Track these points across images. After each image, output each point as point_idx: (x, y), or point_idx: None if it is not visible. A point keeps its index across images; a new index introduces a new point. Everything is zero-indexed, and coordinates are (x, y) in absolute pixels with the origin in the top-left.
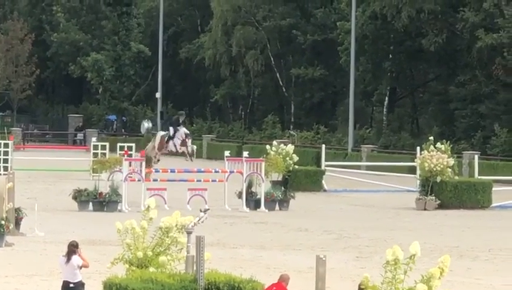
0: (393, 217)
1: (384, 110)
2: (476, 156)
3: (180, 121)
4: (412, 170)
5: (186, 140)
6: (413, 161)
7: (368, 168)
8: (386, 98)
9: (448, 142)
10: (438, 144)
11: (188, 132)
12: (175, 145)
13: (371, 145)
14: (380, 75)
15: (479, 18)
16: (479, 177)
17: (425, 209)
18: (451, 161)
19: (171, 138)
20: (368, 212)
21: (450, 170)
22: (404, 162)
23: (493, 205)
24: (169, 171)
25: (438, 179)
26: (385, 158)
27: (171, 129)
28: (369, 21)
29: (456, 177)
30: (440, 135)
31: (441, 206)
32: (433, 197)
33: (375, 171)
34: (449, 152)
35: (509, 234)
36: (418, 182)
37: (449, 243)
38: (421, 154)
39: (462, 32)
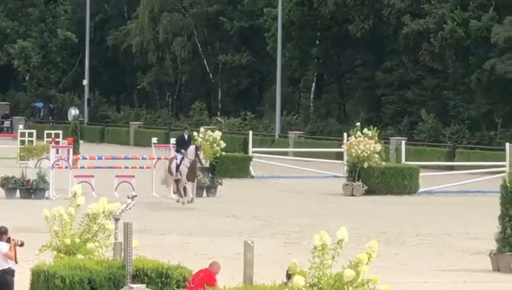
0: (321, 203)
1: (311, 96)
2: (403, 142)
3: (186, 138)
4: (339, 156)
5: (198, 153)
6: (341, 147)
7: (295, 154)
8: (313, 84)
9: (375, 128)
10: (365, 130)
11: (198, 146)
12: (181, 175)
13: (298, 132)
14: (307, 61)
15: (405, 4)
16: (406, 162)
17: (352, 194)
18: (378, 147)
19: (178, 165)
20: (295, 198)
21: (377, 155)
22: (332, 148)
23: (420, 190)
24: (96, 158)
25: (365, 164)
26: (312, 144)
27: (179, 157)
28: (295, 7)
29: (383, 163)
30: (367, 121)
31: (368, 192)
32: (361, 183)
33: (303, 158)
34: (376, 138)
35: (436, 219)
36: (345, 167)
37: (377, 229)
38: (348, 140)
39: (389, 18)
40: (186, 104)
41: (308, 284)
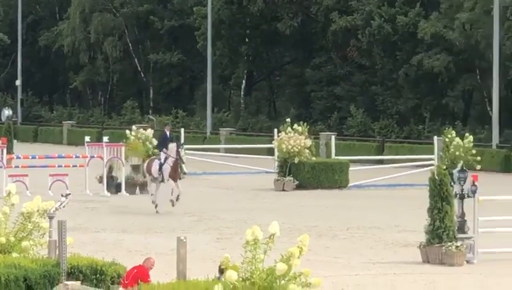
0: (253, 198)
1: (242, 93)
2: (333, 137)
3: (167, 135)
4: (270, 152)
5: (179, 150)
6: (271, 143)
7: (227, 150)
8: (243, 82)
9: (305, 123)
10: (295, 126)
11: (179, 142)
12: (163, 175)
13: (229, 128)
14: (236, 59)
15: (333, 1)
16: (336, 157)
17: (283, 189)
18: (309, 142)
19: (161, 165)
20: (227, 194)
21: (307, 150)
22: (262, 144)
23: (350, 184)
24: (30, 157)
25: (296, 160)
26: (243, 141)
27: (162, 155)
28: (225, 6)
29: (314, 158)
30: (297, 117)
31: (299, 187)
32: (291, 178)
33: (234, 154)
34: (306, 133)
35: (366, 212)
36: (276, 163)
37: (308, 223)
38: (278, 136)
39: (317, 15)
40: (118, 102)
41: (241, 279)
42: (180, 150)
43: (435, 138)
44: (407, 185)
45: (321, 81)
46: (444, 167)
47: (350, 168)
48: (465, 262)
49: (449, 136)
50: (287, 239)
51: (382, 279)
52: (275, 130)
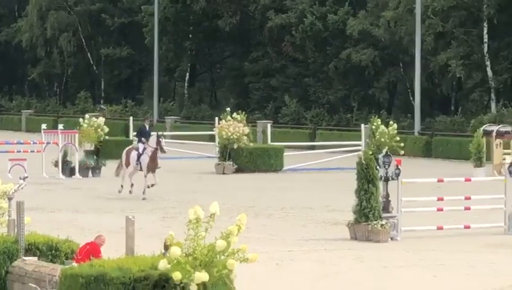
0: (196, 181)
1: (186, 84)
2: (269, 125)
3: (147, 128)
4: (211, 138)
5: (160, 140)
6: (213, 130)
7: (172, 137)
8: (187, 74)
9: (244, 112)
10: (235, 114)
11: (158, 133)
12: (141, 165)
13: (174, 117)
14: (181, 53)
15: (269, 0)
16: (272, 143)
17: (223, 173)
18: (247, 129)
19: (140, 155)
20: (172, 177)
21: (245, 137)
22: (204, 131)
23: (285, 168)
24: None
25: (235, 145)
26: (187, 128)
27: (140, 146)
28: (170, 4)
29: (251, 144)
30: (236, 106)
31: (237, 170)
32: (231, 162)
33: (179, 140)
34: (244, 121)
35: (299, 194)
36: (217, 149)
37: (246, 203)
38: (219, 124)
39: (255, 13)
40: (72, 93)
41: (184, 254)
42: (161, 139)
43: (362, 125)
44: (337, 168)
45: (258, 73)
46: (370, 152)
47: (285, 153)
48: (389, 239)
49: (375, 124)
50: (226, 218)
51: (314, 254)
52: (216, 119)
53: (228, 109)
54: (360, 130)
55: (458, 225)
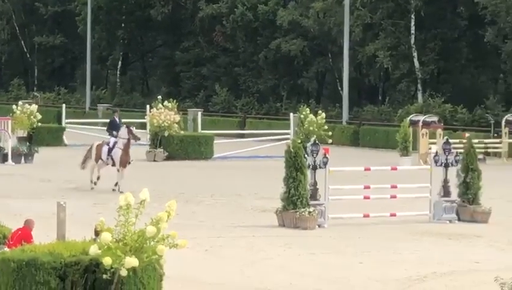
0: (127, 168)
1: (118, 73)
2: (199, 113)
3: (117, 121)
4: (143, 126)
5: (131, 129)
6: (144, 118)
7: (104, 124)
8: (119, 62)
9: (175, 100)
10: (166, 103)
11: (129, 127)
12: (113, 159)
13: (106, 104)
14: (113, 42)
15: None
16: (202, 131)
17: (154, 160)
18: (178, 117)
19: (110, 149)
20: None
21: (176, 125)
22: (136, 119)
23: (215, 156)
24: None
25: (166, 133)
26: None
27: (111, 140)
28: None
29: (182, 132)
30: (167, 95)
31: (168, 158)
32: (162, 150)
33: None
34: (175, 109)
35: (228, 181)
36: (148, 136)
37: (176, 190)
38: (150, 112)
39: (186, 3)
40: (6, 80)
41: (115, 240)
42: (132, 128)
43: (291, 114)
44: (266, 156)
45: (189, 62)
46: (299, 141)
47: (215, 141)
48: (317, 226)
49: (304, 113)
50: (157, 205)
51: (242, 241)
52: (147, 106)
53: (159, 97)
54: (289, 119)
55: (384, 213)
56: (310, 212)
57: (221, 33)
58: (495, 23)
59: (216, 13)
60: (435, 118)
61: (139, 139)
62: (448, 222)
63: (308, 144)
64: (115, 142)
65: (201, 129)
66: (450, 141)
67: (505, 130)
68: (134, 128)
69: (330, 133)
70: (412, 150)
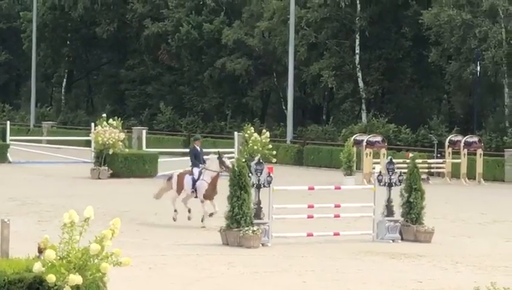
0: (71, 186)
1: (63, 90)
2: (144, 131)
3: (199, 149)
4: (88, 144)
5: (223, 160)
6: (89, 136)
7: (49, 142)
8: (64, 80)
9: (120, 118)
10: (111, 120)
11: (222, 158)
12: (196, 191)
13: (51, 122)
14: (59, 59)
15: (146, 9)
16: (147, 149)
17: (99, 178)
18: (122, 135)
19: (195, 180)
20: (48, 181)
21: (121, 143)
22: (81, 136)
23: (159, 174)
24: None
25: (111, 151)
26: (64, 133)
27: (195, 170)
28: (49, 11)
29: (127, 150)
30: (112, 113)
31: (113, 176)
32: (106, 168)
33: (55, 145)
34: (120, 127)
35: None
36: (93, 154)
37: (120, 208)
38: (95, 129)
39: (132, 21)
40: None
41: (59, 257)
42: (225, 159)
43: (236, 133)
44: None
45: (134, 80)
46: (243, 160)
47: (159, 159)
48: (260, 245)
49: (248, 132)
50: (101, 222)
51: (186, 259)
52: (92, 124)
53: (104, 115)
54: (233, 138)
55: (328, 232)
56: (253, 231)
57: (167, 51)
58: (439, 44)
59: (161, 31)
60: (379, 138)
61: (229, 168)
62: (391, 241)
63: (253, 163)
64: (200, 173)
65: (146, 147)
66: (394, 160)
67: (448, 150)
68: (227, 158)
69: (274, 152)
70: (355, 170)
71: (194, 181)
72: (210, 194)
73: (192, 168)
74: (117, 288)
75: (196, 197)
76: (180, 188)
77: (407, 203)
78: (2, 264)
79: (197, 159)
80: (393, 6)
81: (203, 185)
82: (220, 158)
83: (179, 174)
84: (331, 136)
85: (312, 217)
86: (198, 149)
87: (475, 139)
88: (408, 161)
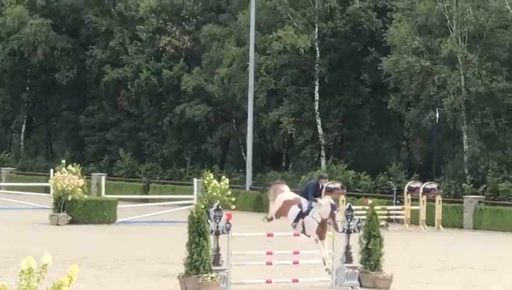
0: (29, 232)
1: (22, 136)
2: (103, 177)
3: (321, 186)
4: (47, 190)
5: (334, 213)
6: (48, 182)
7: (8, 188)
8: (24, 126)
9: (79, 164)
10: (70, 166)
11: (334, 202)
12: (303, 227)
13: (10, 168)
14: (18, 105)
15: (106, 55)
16: (106, 195)
17: (58, 224)
18: (81, 182)
19: (302, 214)
20: (6, 227)
21: (80, 189)
22: (40, 182)
23: (118, 220)
24: None
25: (70, 197)
26: (23, 179)
27: (304, 203)
28: (8, 57)
29: (86, 196)
30: (72, 159)
31: (72, 222)
32: (65, 214)
33: (14, 191)
34: (79, 173)
35: (131, 245)
36: (52, 200)
37: (79, 255)
38: (54, 175)
39: (91, 67)
40: None
41: None
42: (336, 212)
43: (195, 179)
44: (170, 221)
45: (94, 126)
46: (202, 206)
47: (118, 206)
48: None
49: (207, 178)
50: (59, 269)
51: None
52: (51, 170)
53: (63, 161)
54: (192, 184)
55: (287, 279)
56: (212, 277)
57: (126, 98)
58: (398, 91)
59: (121, 77)
60: (338, 184)
61: (337, 230)
62: (350, 288)
63: (211, 210)
64: (309, 210)
65: (105, 193)
66: (353, 207)
67: (407, 196)
68: (338, 212)
69: (233, 198)
70: None
71: (301, 213)
72: (321, 233)
73: (301, 201)
74: None
75: (302, 232)
76: (280, 213)
77: (366, 250)
78: None
79: (315, 195)
80: (352, 53)
81: (312, 224)
82: (333, 208)
83: (287, 200)
84: (291, 182)
85: (271, 263)
86: (320, 186)
87: (434, 185)
88: (367, 207)
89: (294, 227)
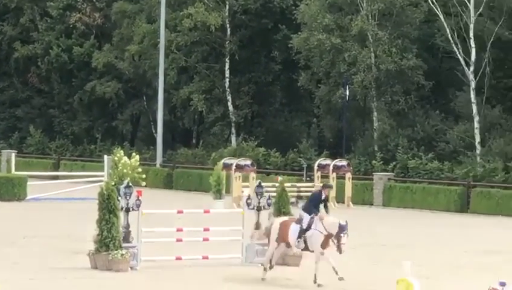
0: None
1: None
2: (13, 154)
3: (322, 198)
4: None
5: (341, 235)
6: None
7: None
8: None
9: None
10: None
11: (343, 223)
12: (306, 243)
13: None
14: None
15: (16, 31)
16: (16, 172)
17: None
18: None
19: (303, 231)
20: None
21: None
22: None
23: (28, 197)
24: None
25: None
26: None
27: (305, 218)
28: None
29: None
30: None
31: None
32: None
33: None
34: None
35: (42, 223)
36: None
37: None
38: None
39: (1, 43)
40: None
41: None
42: (342, 235)
43: (105, 156)
44: (80, 198)
45: (4, 103)
46: (113, 183)
47: (28, 183)
48: (129, 268)
49: (118, 155)
50: None
51: (54, 283)
52: None
53: None
54: (103, 161)
55: (197, 256)
56: (122, 254)
57: (36, 74)
58: (309, 68)
59: (31, 54)
60: (248, 162)
61: (340, 252)
62: (260, 265)
63: (122, 187)
64: (311, 224)
65: (15, 170)
66: (263, 184)
67: (317, 174)
68: (346, 236)
69: (144, 175)
70: (225, 193)
71: (302, 231)
72: (326, 243)
73: (300, 215)
74: None
75: (305, 249)
76: (281, 239)
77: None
78: None
79: (316, 207)
80: (263, 30)
81: (318, 237)
82: (342, 228)
83: (282, 222)
84: (201, 159)
85: (181, 240)
86: (322, 197)
87: (344, 163)
88: (277, 184)
89: (298, 244)
